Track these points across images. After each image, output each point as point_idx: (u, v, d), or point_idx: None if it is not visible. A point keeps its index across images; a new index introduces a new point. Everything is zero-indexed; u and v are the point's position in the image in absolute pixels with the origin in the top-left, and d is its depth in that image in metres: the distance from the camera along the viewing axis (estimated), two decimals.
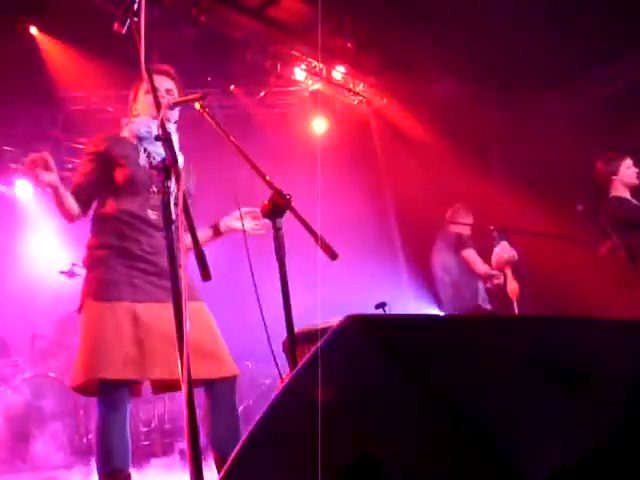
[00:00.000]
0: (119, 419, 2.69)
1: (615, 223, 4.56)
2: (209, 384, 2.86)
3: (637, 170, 4.68)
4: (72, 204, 2.82)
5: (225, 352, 2.90)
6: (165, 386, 2.93)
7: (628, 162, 4.71)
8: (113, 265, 2.79)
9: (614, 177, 4.69)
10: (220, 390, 2.88)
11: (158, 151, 2.84)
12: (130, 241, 2.83)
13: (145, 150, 2.91)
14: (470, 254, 5.55)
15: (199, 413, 2.02)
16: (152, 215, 2.86)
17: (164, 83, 2.97)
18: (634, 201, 4.66)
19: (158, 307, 2.74)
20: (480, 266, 5.49)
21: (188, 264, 2.89)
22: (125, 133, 3.02)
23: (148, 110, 2.93)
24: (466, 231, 5.70)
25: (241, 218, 2.85)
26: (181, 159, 3.02)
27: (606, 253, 5.01)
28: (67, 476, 4.96)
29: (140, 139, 2.93)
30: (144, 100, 2.98)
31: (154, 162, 2.10)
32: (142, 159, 2.88)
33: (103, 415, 2.68)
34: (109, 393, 2.69)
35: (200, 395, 2.77)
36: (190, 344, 2.64)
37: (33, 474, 5.10)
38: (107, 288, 2.75)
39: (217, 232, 3.06)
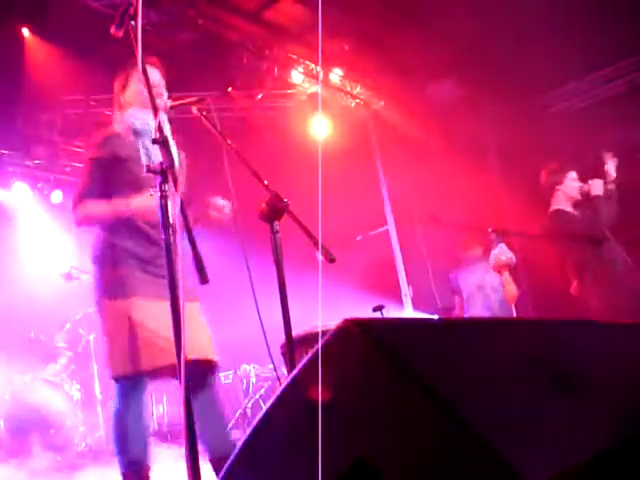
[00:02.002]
0: (136, 410, 2.73)
1: (556, 235, 4.54)
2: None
3: (580, 185, 4.64)
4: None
5: (212, 346, 2.94)
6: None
7: (573, 175, 4.68)
8: (127, 263, 2.81)
9: (558, 187, 4.67)
10: (201, 373, 2.87)
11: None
12: (140, 240, 2.84)
13: (144, 147, 2.86)
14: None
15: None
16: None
17: (153, 74, 2.91)
18: (575, 213, 4.62)
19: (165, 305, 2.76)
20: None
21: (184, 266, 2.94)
22: (118, 128, 2.97)
23: (139, 100, 2.89)
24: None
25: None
26: (175, 153, 3.00)
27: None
28: None
29: (137, 133, 2.89)
30: (135, 89, 2.93)
31: (152, 164, 2.09)
32: (143, 158, 2.84)
33: (121, 406, 2.73)
34: (126, 385, 2.74)
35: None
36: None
37: (32, 477, 5.09)
38: (122, 286, 2.78)
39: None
